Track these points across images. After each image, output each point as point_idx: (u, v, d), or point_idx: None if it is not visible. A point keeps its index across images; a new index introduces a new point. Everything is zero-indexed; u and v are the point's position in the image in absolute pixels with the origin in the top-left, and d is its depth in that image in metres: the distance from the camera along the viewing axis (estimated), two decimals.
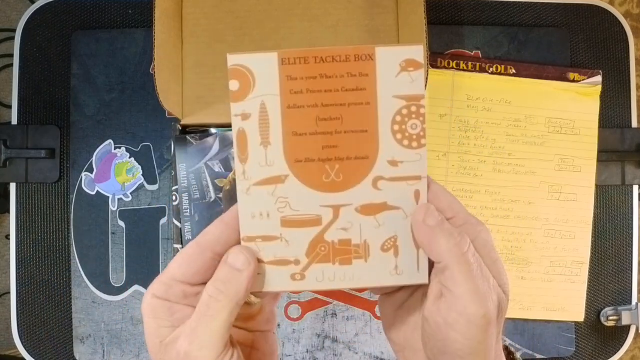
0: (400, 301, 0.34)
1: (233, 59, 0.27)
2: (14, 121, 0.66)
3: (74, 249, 0.65)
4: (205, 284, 0.29)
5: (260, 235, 0.30)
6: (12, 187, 0.66)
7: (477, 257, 0.29)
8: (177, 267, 0.29)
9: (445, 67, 0.67)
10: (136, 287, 0.65)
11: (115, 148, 0.66)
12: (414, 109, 0.28)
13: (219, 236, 0.29)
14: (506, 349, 0.33)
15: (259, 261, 0.30)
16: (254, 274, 0.29)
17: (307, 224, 0.30)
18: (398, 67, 0.27)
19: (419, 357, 0.32)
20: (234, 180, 0.62)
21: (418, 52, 0.27)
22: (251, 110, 0.28)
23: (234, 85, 0.27)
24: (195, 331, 0.28)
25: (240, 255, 0.29)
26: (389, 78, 0.27)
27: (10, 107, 0.70)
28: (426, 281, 0.31)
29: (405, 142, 0.29)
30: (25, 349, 0.65)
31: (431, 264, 0.31)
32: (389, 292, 0.34)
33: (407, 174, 0.29)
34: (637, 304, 0.66)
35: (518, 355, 0.33)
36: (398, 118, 0.28)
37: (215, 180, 0.61)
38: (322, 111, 0.28)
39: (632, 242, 0.69)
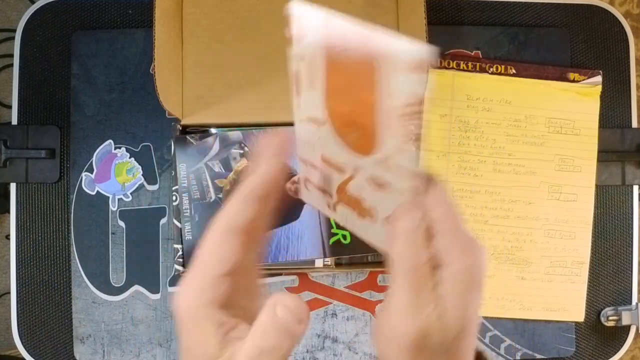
0: None
1: (294, 8, 0.28)
2: (14, 121, 0.66)
3: (74, 249, 0.65)
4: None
5: (308, 160, 0.33)
6: (12, 187, 0.66)
7: (431, 278, 0.27)
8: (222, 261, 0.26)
9: (445, 67, 0.67)
10: (136, 287, 0.65)
11: (115, 148, 0.66)
12: (415, 108, 0.28)
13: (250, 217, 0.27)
14: (479, 354, 0.31)
15: (308, 181, 0.33)
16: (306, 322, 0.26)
17: (336, 168, 0.32)
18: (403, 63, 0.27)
19: None
20: (234, 180, 0.62)
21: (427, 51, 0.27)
22: (304, 54, 0.29)
23: (293, 29, 0.29)
24: None
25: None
26: (393, 71, 0.27)
27: (10, 107, 0.70)
28: None
29: (405, 138, 0.29)
30: (25, 349, 0.65)
31: None
32: None
33: (404, 167, 0.29)
34: (637, 304, 0.66)
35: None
36: (399, 112, 0.28)
37: (215, 180, 0.61)
38: (351, 81, 0.29)
39: (632, 242, 0.69)
